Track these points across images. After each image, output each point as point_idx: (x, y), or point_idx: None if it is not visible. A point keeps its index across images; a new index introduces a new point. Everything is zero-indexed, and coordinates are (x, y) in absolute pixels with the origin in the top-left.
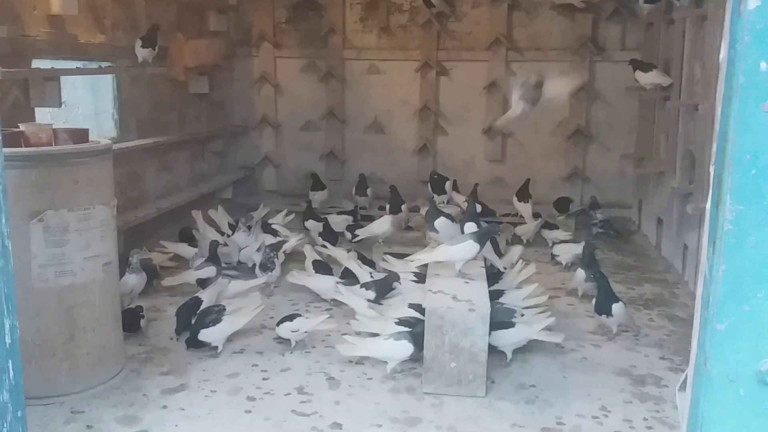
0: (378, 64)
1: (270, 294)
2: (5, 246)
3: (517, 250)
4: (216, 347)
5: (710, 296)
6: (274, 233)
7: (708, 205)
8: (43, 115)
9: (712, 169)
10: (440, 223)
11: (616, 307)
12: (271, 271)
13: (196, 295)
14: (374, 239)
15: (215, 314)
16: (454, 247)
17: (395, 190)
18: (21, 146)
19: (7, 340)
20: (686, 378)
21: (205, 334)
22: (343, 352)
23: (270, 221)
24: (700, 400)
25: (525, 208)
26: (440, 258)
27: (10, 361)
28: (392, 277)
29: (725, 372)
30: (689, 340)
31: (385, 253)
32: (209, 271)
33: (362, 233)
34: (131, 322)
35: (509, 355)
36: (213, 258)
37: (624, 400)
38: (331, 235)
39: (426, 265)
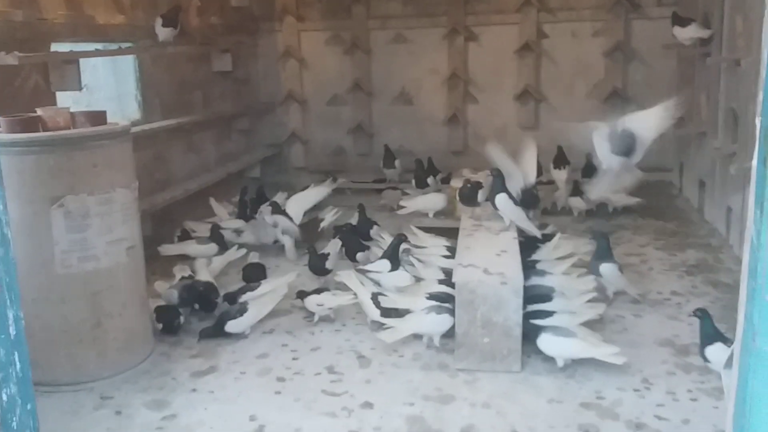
0: (404, 32)
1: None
2: (4, 234)
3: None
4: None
5: (758, 264)
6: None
7: (754, 163)
8: (65, 99)
9: (758, 121)
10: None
11: (605, 267)
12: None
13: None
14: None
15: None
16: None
17: (420, 163)
18: (39, 131)
19: (12, 331)
20: (732, 354)
21: (232, 326)
22: (388, 339)
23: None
24: (748, 378)
25: (560, 175)
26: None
27: (16, 353)
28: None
29: None
30: (736, 307)
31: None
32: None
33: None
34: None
35: (561, 363)
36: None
37: (667, 372)
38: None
39: (456, 240)
